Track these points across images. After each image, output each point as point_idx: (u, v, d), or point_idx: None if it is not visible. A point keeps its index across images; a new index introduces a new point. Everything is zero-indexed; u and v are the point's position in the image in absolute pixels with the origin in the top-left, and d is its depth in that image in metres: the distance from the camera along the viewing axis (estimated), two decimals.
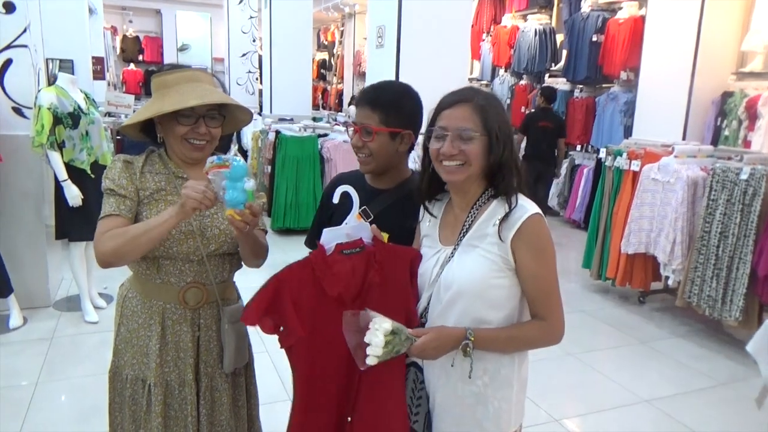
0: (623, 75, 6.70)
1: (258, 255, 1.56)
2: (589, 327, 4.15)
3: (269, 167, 6.47)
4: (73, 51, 7.33)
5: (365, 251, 1.40)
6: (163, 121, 1.48)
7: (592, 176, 6.79)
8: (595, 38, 7.05)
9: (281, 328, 1.37)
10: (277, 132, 6.38)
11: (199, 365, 1.54)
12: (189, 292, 1.51)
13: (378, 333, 1.22)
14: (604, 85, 7.34)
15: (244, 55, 10.52)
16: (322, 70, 15.43)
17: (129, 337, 1.53)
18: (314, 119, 8.17)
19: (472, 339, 1.30)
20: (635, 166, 4.46)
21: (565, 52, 7.78)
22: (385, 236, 1.62)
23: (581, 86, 7.65)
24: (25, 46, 3.71)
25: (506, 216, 1.34)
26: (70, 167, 3.60)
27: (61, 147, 3.56)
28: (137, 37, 14.87)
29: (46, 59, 6.93)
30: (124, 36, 14.70)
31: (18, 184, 3.80)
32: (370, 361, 1.23)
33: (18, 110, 3.77)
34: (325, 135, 6.53)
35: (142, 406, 1.51)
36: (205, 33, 15.28)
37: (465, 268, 1.36)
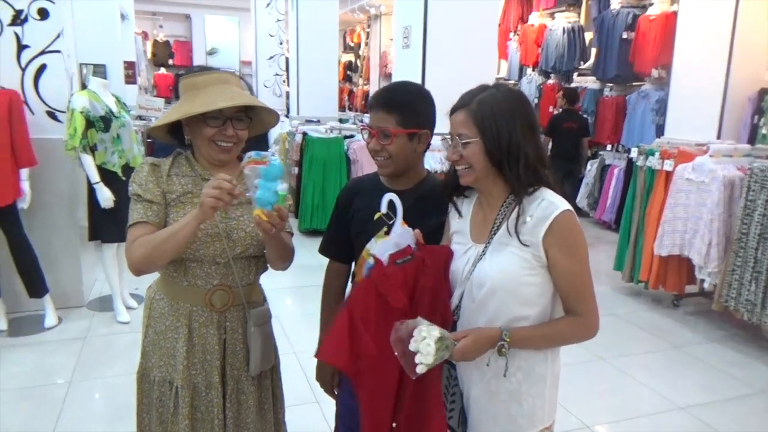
0: (655, 72, 6.55)
1: (284, 258, 1.56)
2: (621, 331, 4.06)
3: (296, 169, 6.51)
4: (105, 56, 7.48)
5: (416, 258, 1.39)
6: (190, 123, 1.49)
7: (623, 176, 6.67)
8: (625, 35, 6.91)
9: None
10: (304, 134, 6.41)
11: (225, 368, 1.55)
12: (215, 294, 1.51)
13: (429, 341, 1.22)
14: (634, 83, 7.18)
15: (271, 57, 10.60)
16: (348, 72, 15.47)
17: (156, 339, 1.54)
18: (340, 120, 8.19)
19: (508, 340, 1.31)
20: (668, 165, 4.35)
21: (594, 50, 7.65)
22: None
23: (611, 85, 7.52)
24: (59, 51, 3.80)
25: (533, 213, 1.33)
26: (102, 170, 3.67)
27: (93, 150, 3.64)
28: (167, 42, 15.13)
29: (80, 64, 7.12)
30: (155, 41, 14.97)
31: (53, 186, 3.89)
32: (421, 369, 1.23)
33: (52, 114, 3.86)
34: (352, 136, 6.54)
35: (169, 408, 1.52)
36: (233, 37, 15.48)
37: (497, 266, 1.36)
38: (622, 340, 3.88)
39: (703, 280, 4.12)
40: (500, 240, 1.38)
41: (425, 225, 1.54)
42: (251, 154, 1.32)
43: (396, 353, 1.26)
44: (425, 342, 1.22)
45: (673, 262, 4.31)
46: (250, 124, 1.54)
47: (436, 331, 1.23)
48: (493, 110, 1.35)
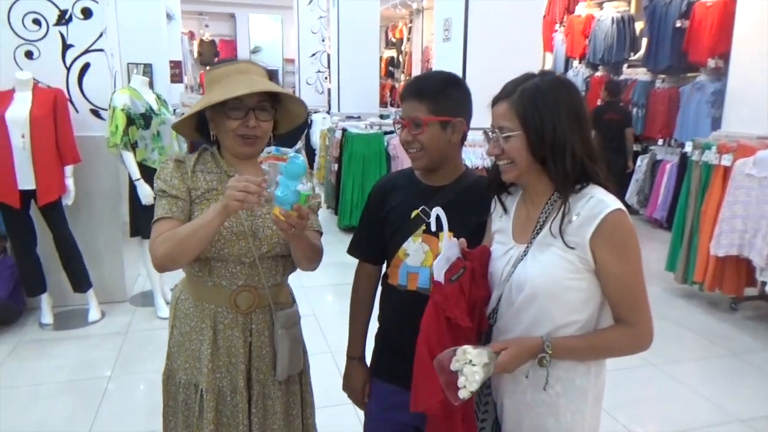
0: (711, 62, 6.21)
1: (310, 258, 1.49)
2: (673, 335, 3.84)
3: (336, 165, 6.48)
4: (151, 56, 7.62)
5: (467, 270, 1.30)
6: (214, 117, 1.44)
7: (676, 172, 6.36)
8: (679, 24, 6.58)
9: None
10: (344, 130, 6.37)
11: (251, 371, 1.49)
12: (240, 295, 1.46)
13: (477, 369, 1.13)
14: (688, 74, 6.84)
15: (313, 55, 10.63)
16: (390, 68, 15.39)
17: (182, 340, 1.50)
18: (381, 116, 8.13)
19: (550, 351, 1.21)
20: (726, 160, 4.09)
21: (645, 40, 7.32)
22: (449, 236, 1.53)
23: (663, 76, 7.18)
24: (102, 50, 3.86)
25: (579, 212, 1.23)
26: (142, 167, 3.71)
27: (134, 147, 3.68)
28: (213, 41, 15.42)
29: (128, 64, 7.29)
30: (201, 40, 15.27)
31: (96, 183, 3.96)
32: (465, 395, 1.14)
33: (95, 112, 3.92)
34: (392, 132, 6.46)
35: (194, 411, 1.47)
36: (276, 35, 15.64)
37: (539, 268, 1.26)
38: (674, 345, 3.67)
39: (764, 283, 3.86)
40: (543, 240, 1.28)
41: (466, 223, 1.46)
42: (271, 149, 1.26)
43: (438, 376, 1.17)
44: (472, 369, 1.13)
45: (731, 263, 4.05)
46: (274, 115, 1.47)
47: (484, 356, 1.14)
48: (536, 101, 1.24)
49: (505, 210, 1.41)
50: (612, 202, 1.23)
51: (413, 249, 1.51)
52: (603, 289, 1.25)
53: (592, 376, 1.30)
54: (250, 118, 1.40)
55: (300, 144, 1.52)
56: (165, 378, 1.55)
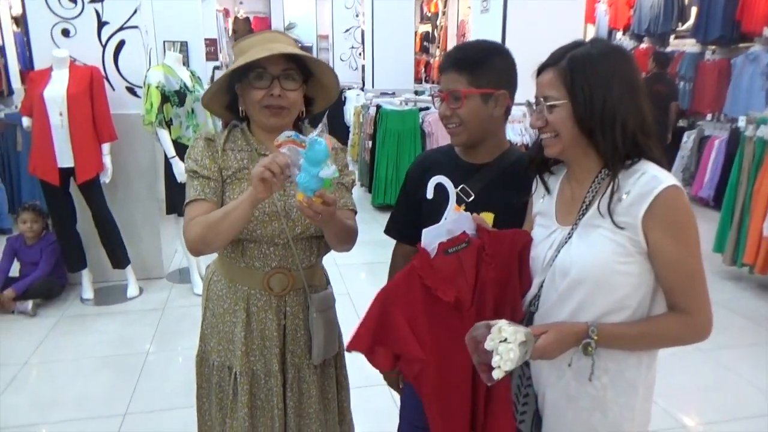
0: (767, 32, 5.85)
1: (344, 240, 1.43)
2: (721, 320, 3.63)
3: (370, 142, 6.41)
4: (187, 33, 7.64)
5: (472, 245, 1.23)
6: (242, 91, 1.38)
7: (725, 148, 6.06)
8: None
9: (398, 358, 1.23)
10: (378, 106, 6.27)
11: (285, 355, 1.45)
12: (274, 277, 1.41)
13: (512, 346, 1.05)
14: (741, 45, 6.48)
15: (347, 30, 10.51)
16: (425, 43, 15.10)
17: (215, 322, 1.47)
18: (416, 93, 7.99)
19: (596, 337, 1.12)
20: None
21: (694, 10, 6.95)
22: (489, 217, 1.45)
23: (713, 47, 6.82)
24: (137, 27, 3.84)
25: (630, 190, 1.13)
26: (177, 144, 3.70)
27: (169, 124, 3.67)
28: (248, 18, 15.37)
29: (164, 42, 7.31)
30: (236, 17, 15.25)
31: (133, 161, 3.99)
32: (498, 375, 1.07)
33: (131, 89, 3.93)
34: (427, 108, 6.33)
35: (228, 394, 1.44)
36: (310, 10, 15.47)
37: (585, 251, 1.17)
38: (722, 330, 3.51)
39: None
40: (590, 221, 1.19)
41: (509, 204, 1.39)
42: (289, 133, 1.17)
43: (471, 354, 1.11)
44: (507, 346, 1.05)
45: None
46: (305, 88, 1.40)
47: (520, 334, 1.06)
48: (585, 68, 1.14)
49: (548, 190, 1.32)
50: (666, 178, 1.13)
51: None
52: (656, 274, 1.16)
53: (643, 368, 1.21)
54: (274, 86, 1.33)
55: (322, 126, 1.46)
56: (198, 359, 1.52)
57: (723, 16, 6.34)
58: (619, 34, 8.45)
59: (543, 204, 1.32)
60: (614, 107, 1.13)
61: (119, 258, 3.84)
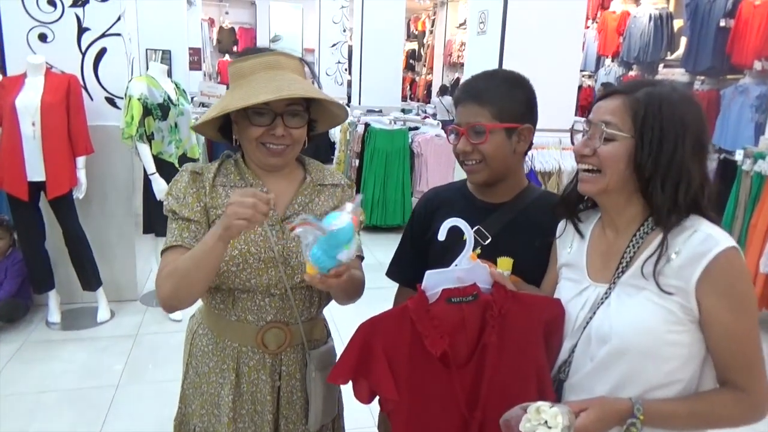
0: (757, 65, 5.87)
1: (351, 295, 1.27)
2: None
3: (357, 161, 6.25)
4: (170, 42, 7.46)
5: (479, 300, 1.08)
6: (237, 119, 1.20)
7: (715, 179, 6.05)
8: (723, 23, 6.24)
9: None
10: (366, 125, 6.13)
11: (278, 421, 1.26)
12: (269, 333, 1.22)
13: None
14: (729, 77, 6.51)
15: (334, 45, 10.39)
16: (410, 61, 15.10)
17: (198, 382, 1.27)
18: (403, 111, 7.89)
19: (641, 417, 0.98)
20: None
21: (684, 40, 6.98)
22: (508, 262, 1.30)
23: (702, 77, 6.84)
24: (119, 34, 3.64)
25: (680, 249, 1.00)
26: (158, 160, 3.50)
27: (150, 139, 3.47)
28: (233, 28, 15.20)
29: (147, 50, 7.10)
30: (221, 27, 15.06)
31: (109, 175, 3.75)
32: None
33: (111, 100, 3.70)
34: (416, 128, 6.21)
35: None
36: (296, 24, 15.37)
37: (628, 317, 1.03)
38: None
39: None
40: (631, 281, 1.05)
41: (530, 248, 1.26)
42: (307, 217, 1.01)
43: None
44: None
45: None
46: (308, 120, 1.23)
47: (563, 417, 0.90)
48: (662, 109, 1.01)
49: (581, 235, 1.17)
50: (723, 239, 1.00)
51: None
52: (708, 345, 1.03)
53: None
54: (277, 125, 1.16)
55: (357, 203, 1.24)
56: (176, 424, 1.32)
57: (713, 47, 6.36)
58: (607, 61, 8.48)
59: (571, 254, 1.18)
60: (682, 160, 1.00)
61: (90, 279, 3.58)
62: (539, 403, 0.93)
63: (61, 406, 2.72)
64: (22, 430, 2.53)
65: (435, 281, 1.08)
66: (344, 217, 1.01)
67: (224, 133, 1.27)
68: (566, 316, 1.13)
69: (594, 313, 1.08)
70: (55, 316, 3.56)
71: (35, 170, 3.25)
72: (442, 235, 1.11)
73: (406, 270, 1.43)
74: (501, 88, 1.27)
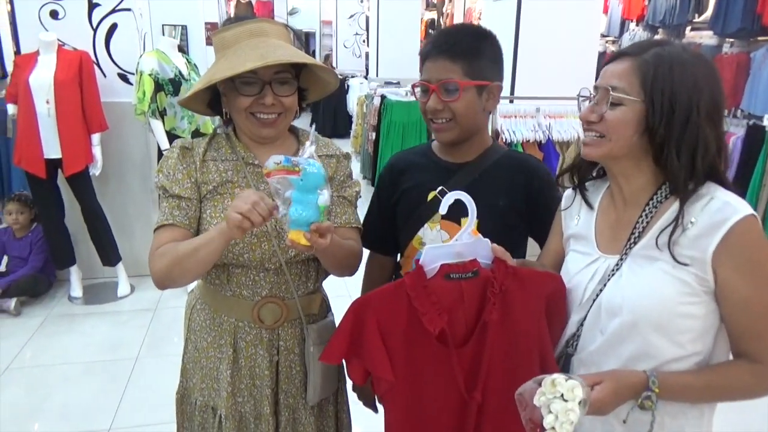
0: None
1: (344, 265, 1.24)
2: None
3: (373, 134, 6.20)
4: (186, 17, 7.41)
5: (480, 277, 1.05)
6: (225, 91, 1.17)
7: (741, 146, 5.84)
8: None
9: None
10: (383, 97, 6.06)
11: (278, 395, 1.26)
12: (265, 308, 1.22)
13: (571, 405, 0.87)
14: (760, 38, 6.24)
15: (351, 16, 10.26)
16: (430, 31, 14.80)
17: (197, 356, 1.28)
18: None
19: (656, 390, 0.95)
20: None
21: (712, 1, 6.71)
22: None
23: (732, 40, 6.58)
24: (129, 9, 3.62)
25: (696, 218, 0.96)
26: (171, 135, 3.50)
27: (162, 115, 3.47)
28: (250, 2, 15.06)
29: (163, 25, 7.08)
30: (238, 1, 14.93)
31: (124, 152, 3.79)
32: None
33: (123, 76, 3.71)
34: None
35: None
36: None
37: (640, 289, 0.99)
38: None
39: None
40: (644, 252, 1.01)
41: (493, 207, 1.24)
42: (279, 158, 0.98)
43: (519, 411, 0.94)
44: (565, 405, 0.87)
45: None
46: (297, 87, 1.19)
47: (579, 389, 0.87)
48: (673, 71, 0.95)
49: (590, 206, 1.13)
50: (741, 206, 0.95)
51: (430, 237, 1.29)
52: (724, 317, 0.99)
53: (705, 420, 1.05)
54: (266, 94, 1.13)
55: (312, 137, 1.22)
56: (178, 398, 1.34)
57: (743, 8, 6.10)
58: (632, 25, 8.21)
59: (579, 226, 1.14)
60: (697, 124, 0.95)
61: (109, 255, 3.65)
62: (554, 375, 0.90)
63: (83, 378, 2.80)
64: (46, 400, 2.61)
65: (433, 256, 1.05)
66: (308, 155, 0.99)
67: (214, 107, 1.25)
68: (575, 289, 1.09)
69: (604, 285, 1.04)
70: (77, 290, 3.64)
71: (51, 148, 3.29)
72: (443, 209, 1.07)
73: (374, 236, 1.41)
74: (473, 44, 1.23)
